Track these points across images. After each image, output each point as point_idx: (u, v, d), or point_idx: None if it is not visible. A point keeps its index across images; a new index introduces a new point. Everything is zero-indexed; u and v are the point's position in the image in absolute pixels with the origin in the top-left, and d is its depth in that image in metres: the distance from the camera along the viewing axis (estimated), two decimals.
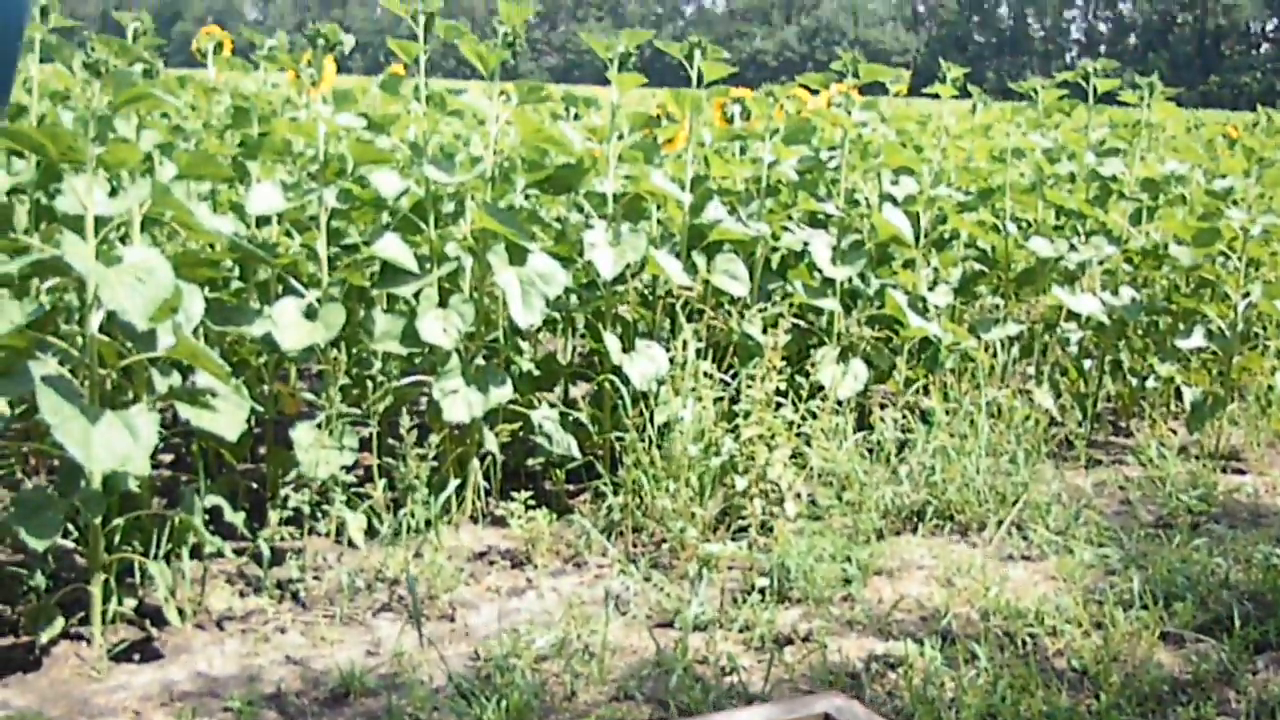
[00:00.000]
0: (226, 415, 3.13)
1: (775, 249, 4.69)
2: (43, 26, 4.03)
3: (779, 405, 3.90)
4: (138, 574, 3.18)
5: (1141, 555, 3.66)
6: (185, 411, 3.10)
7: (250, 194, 3.69)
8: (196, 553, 3.19)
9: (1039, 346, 4.95)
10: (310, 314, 3.62)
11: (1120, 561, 3.60)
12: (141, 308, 2.69)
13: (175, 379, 3.24)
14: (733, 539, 3.61)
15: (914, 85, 5.23)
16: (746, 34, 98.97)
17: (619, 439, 3.90)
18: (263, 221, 4.06)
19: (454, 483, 3.70)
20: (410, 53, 3.87)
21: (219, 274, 3.82)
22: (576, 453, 3.96)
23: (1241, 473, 4.78)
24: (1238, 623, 3.12)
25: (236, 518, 3.32)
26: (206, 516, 3.20)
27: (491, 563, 3.55)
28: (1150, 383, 5.24)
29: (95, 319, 2.89)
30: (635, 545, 3.68)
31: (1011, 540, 3.82)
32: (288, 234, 4.24)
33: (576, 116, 4.75)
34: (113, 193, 3.15)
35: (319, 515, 3.52)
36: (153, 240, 3.77)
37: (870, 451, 4.20)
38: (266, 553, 3.23)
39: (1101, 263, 5.00)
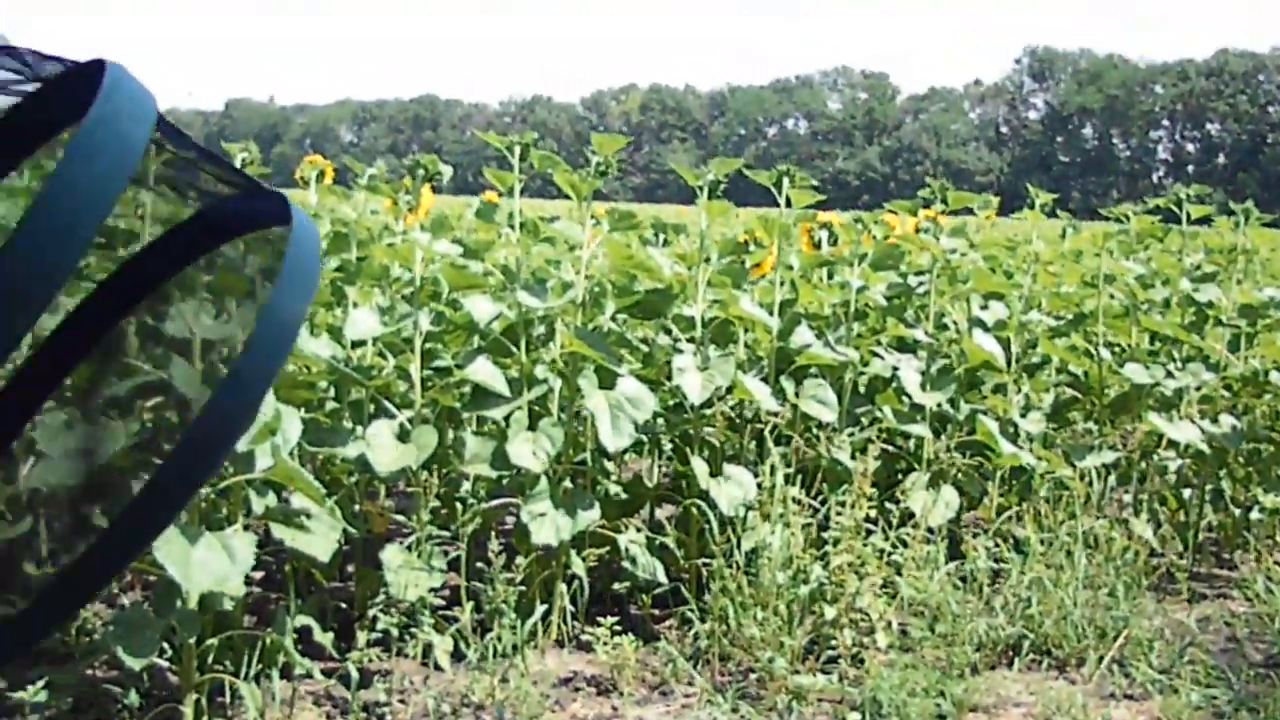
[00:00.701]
0: (320, 537, 3.17)
1: (863, 374, 4.67)
2: (156, 158, 4.21)
3: (869, 533, 3.85)
4: (228, 694, 3.19)
5: (1252, 697, 3.51)
6: (280, 532, 3.15)
7: (349, 319, 3.79)
8: (286, 673, 3.20)
9: (1136, 475, 4.84)
10: (403, 436, 3.67)
11: (1230, 704, 3.45)
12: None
13: (271, 499, 3.29)
14: (822, 670, 3.53)
15: (999, 205, 5.24)
16: (829, 154, 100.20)
17: (706, 564, 3.86)
18: (357, 343, 4.15)
19: (541, 607, 3.69)
20: (505, 182, 3.97)
21: (315, 395, 3.91)
22: (663, 578, 3.93)
23: None
24: None
25: (325, 638, 3.34)
26: (296, 636, 3.22)
27: (577, 689, 3.51)
28: (1254, 514, 5.07)
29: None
30: (722, 674, 3.62)
31: (1113, 678, 3.68)
32: (381, 355, 4.33)
33: (666, 242, 4.82)
34: (218, 316, 3.26)
35: (407, 637, 3.52)
36: None
37: (963, 581, 4.10)
38: (355, 675, 3.23)
39: (1199, 389, 4.90)
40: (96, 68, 0.53)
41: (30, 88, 0.57)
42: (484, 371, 3.75)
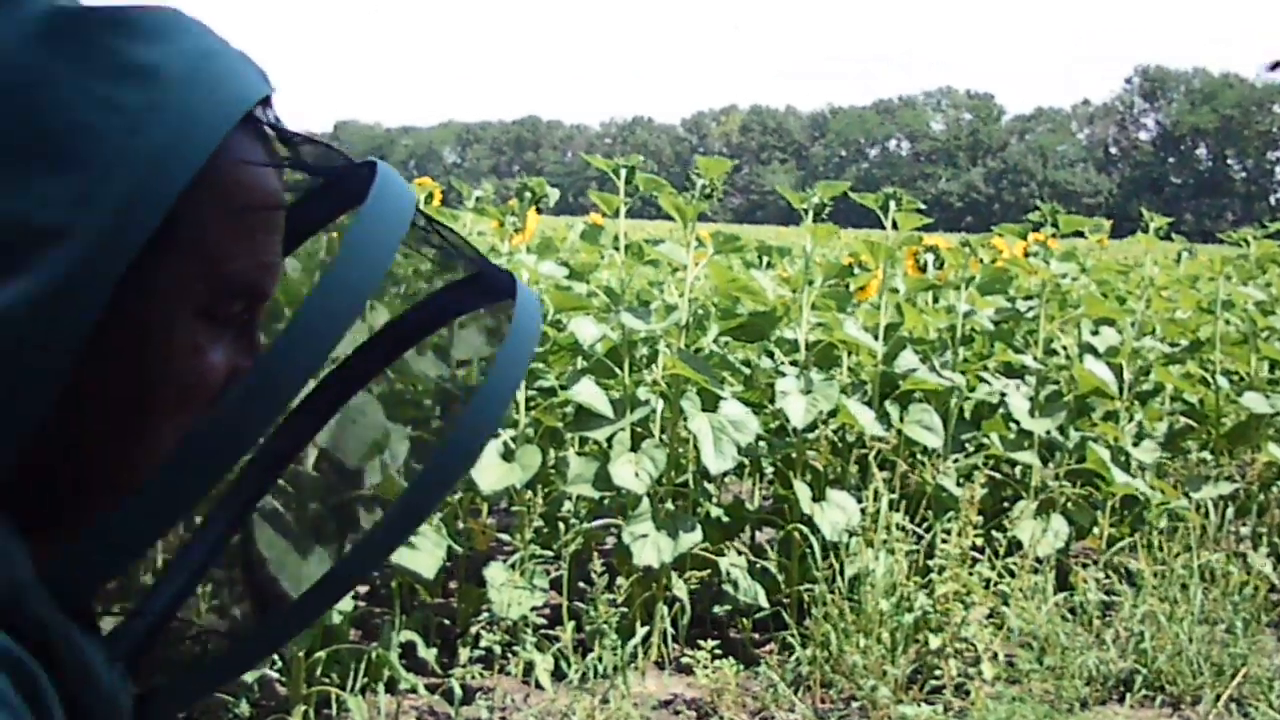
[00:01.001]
0: (425, 554, 3.21)
1: (969, 399, 4.60)
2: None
3: (974, 561, 3.78)
4: (334, 706, 3.25)
5: None
6: None
7: (455, 338, 3.84)
8: (391, 687, 3.25)
9: (1255, 507, 4.68)
10: (507, 455, 3.71)
11: None
12: (355, 448, 2.81)
13: (378, 515, 3.35)
14: (926, 700, 3.48)
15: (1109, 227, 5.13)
16: (931, 175, 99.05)
17: (808, 590, 3.83)
18: (463, 361, 4.20)
19: (641, 629, 3.69)
20: (611, 204, 4.00)
21: (421, 414, 3.97)
22: (764, 602, 3.90)
23: None
24: None
25: (429, 654, 3.38)
26: (400, 651, 3.27)
27: (677, 712, 3.50)
28: None
29: (310, 457, 3.03)
30: (824, 701, 3.58)
31: (1230, 717, 3.56)
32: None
33: (769, 265, 4.81)
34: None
35: (509, 655, 3.55)
36: None
37: (1072, 613, 4.01)
38: (458, 691, 3.27)
39: None
40: (370, 168, 0.66)
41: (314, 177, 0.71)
42: (588, 392, 3.77)
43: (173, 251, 0.59)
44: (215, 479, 0.56)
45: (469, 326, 0.78)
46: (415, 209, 0.64)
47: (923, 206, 4.27)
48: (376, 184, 0.62)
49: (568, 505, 4.12)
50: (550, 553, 3.71)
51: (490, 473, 3.61)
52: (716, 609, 4.12)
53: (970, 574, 3.69)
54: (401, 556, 3.19)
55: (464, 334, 0.81)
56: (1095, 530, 4.45)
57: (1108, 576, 4.17)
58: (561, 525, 3.87)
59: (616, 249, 4.08)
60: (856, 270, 4.62)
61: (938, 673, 3.54)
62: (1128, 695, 3.69)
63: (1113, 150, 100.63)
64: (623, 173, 3.97)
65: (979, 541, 3.76)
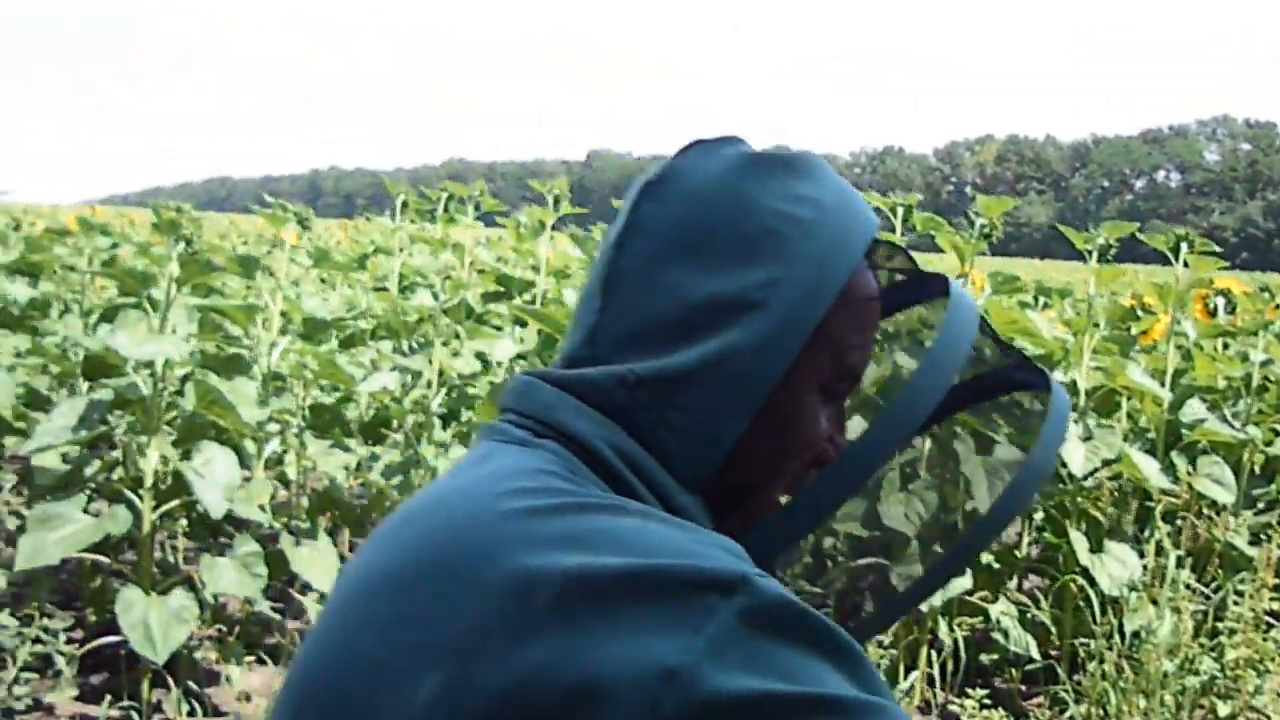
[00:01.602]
0: None
1: (1262, 453, 4.34)
2: (553, 212, 4.61)
3: (1269, 626, 3.56)
4: None
5: None
6: None
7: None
8: None
9: None
10: None
11: None
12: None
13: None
14: None
15: None
16: (1203, 209, 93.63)
17: (1083, 644, 3.70)
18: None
19: (911, 674, 3.65)
20: None
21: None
22: (1035, 653, 3.79)
23: None
24: None
25: None
26: None
27: None
28: None
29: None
30: None
31: None
32: None
33: (1046, 305, 4.68)
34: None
35: None
36: None
37: None
38: None
39: None
40: (942, 280, 0.96)
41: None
42: (857, 430, 3.76)
43: (817, 335, 0.80)
44: (851, 495, 0.87)
45: (1005, 403, 1.07)
46: (981, 316, 0.86)
47: (1218, 250, 4.06)
48: (953, 293, 0.88)
49: (832, 541, 4.11)
50: (818, 590, 3.72)
51: None
52: (983, 657, 4.03)
53: (1265, 639, 3.48)
54: None
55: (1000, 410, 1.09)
56: None
57: None
58: (830, 562, 3.86)
59: None
60: (1139, 313, 4.45)
61: None
62: None
63: None
64: (900, 211, 3.96)
65: (1275, 606, 3.54)
